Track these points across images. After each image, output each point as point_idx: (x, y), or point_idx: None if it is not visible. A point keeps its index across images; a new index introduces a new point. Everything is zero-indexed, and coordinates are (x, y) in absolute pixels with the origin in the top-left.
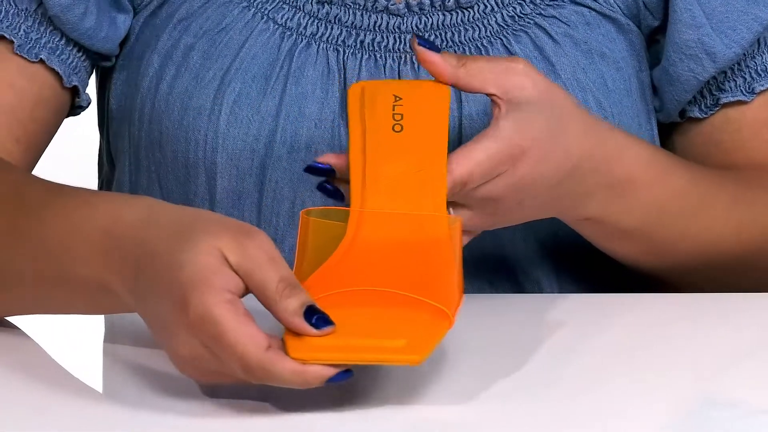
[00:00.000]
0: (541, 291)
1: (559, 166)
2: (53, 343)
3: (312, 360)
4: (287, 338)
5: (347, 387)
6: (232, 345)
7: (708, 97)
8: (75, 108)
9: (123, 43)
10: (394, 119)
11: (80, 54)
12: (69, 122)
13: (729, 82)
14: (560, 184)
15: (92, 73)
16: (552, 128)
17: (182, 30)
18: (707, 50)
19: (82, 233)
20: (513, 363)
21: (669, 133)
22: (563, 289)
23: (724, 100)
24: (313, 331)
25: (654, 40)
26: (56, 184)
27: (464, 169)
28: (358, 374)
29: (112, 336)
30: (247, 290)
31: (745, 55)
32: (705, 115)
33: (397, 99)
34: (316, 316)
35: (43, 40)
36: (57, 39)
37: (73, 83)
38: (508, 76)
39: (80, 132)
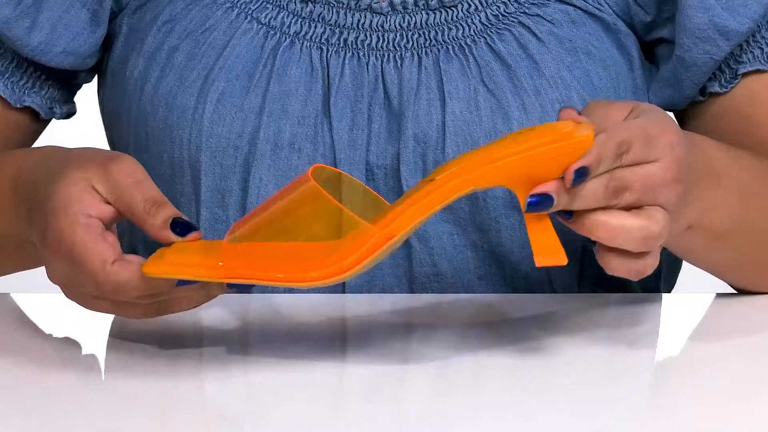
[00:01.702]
0: (530, 286)
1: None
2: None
3: (158, 274)
4: (151, 257)
5: (340, 380)
6: (81, 262)
7: (727, 71)
8: (47, 120)
9: (110, 48)
10: None
11: (39, 72)
12: (72, 123)
13: (746, 54)
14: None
15: (76, 84)
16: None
17: (167, 32)
18: (720, 30)
19: (0, 190)
20: (511, 363)
21: (698, 118)
22: (554, 284)
23: (743, 71)
24: (179, 238)
25: (655, 43)
26: None
27: (632, 122)
28: (355, 374)
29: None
30: (118, 215)
31: (759, 26)
32: (725, 90)
33: None
34: (179, 226)
35: None
36: (7, 62)
37: (25, 104)
38: (610, 108)
39: (80, 132)
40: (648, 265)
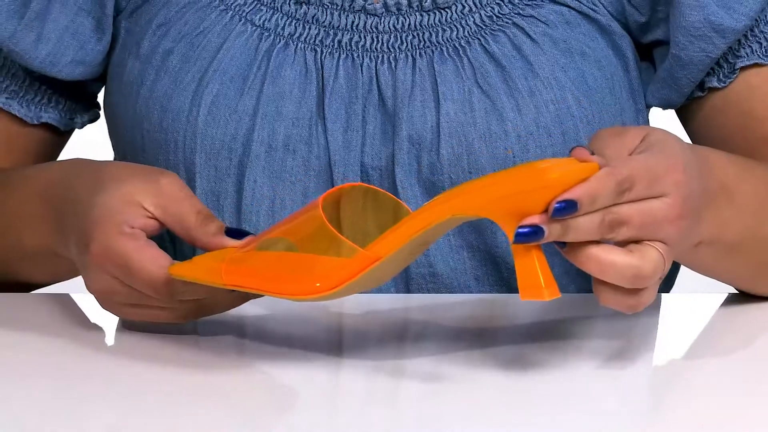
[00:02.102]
0: None
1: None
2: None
3: (180, 276)
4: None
5: (336, 380)
6: (137, 269)
7: (725, 66)
8: (69, 130)
9: (109, 51)
10: None
11: (53, 88)
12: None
13: (744, 48)
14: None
15: (91, 92)
16: (684, 145)
17: (161, 35)
18: (715, 28)
19: (26, 205)
20: (508, 363)
21: (698, 113)
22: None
23: (740, 65)
24: (236, 242)
25: (652, 45)
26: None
27: (636, 159)
28: (351, 373)
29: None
30: (161, 226)
31: (757, 20)
32: (724, 84)
33: None
34: (233, 233)
35: (4, 85)
36: (20, 81)
37: (42, 120)
38: (625, 135)
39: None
40: (642, 302)
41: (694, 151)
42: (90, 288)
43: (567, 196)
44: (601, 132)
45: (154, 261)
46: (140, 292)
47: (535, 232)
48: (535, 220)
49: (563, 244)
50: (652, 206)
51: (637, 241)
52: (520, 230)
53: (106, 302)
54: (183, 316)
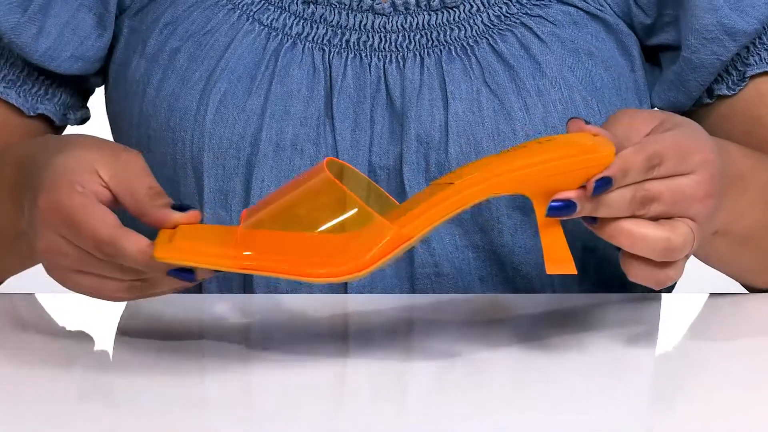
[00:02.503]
0: (531, 287)
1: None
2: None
3: (174, 260)
4: (157, 241)
5: (342, 379)
6: (82, 222)
7: (734, 74)
8: (64, 126)
9: (112, 50)
10: None
11: (51, 80)
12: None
13: (753, 56)
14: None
15: (87, 89)
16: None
17: (168, 34)
18: (727, 31)
19: (2, 181)
20: (512, 362)
21: (704, 120)
22: (554, 284)
23: (750, 73)
24: (180, 215)
25: (659, 49)
26: None
27: (660, 136)
28: (357, 372)
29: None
30: (113, 198)
31: (765, 27)
32: (733, 92)
33: None
34: (180, 210)
35: (1, 74)
36: (18, 71)
37: (39, 111)
38: (636, 119)
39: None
40: (670, 277)
41: (714, 137)
42: (37, 247)
43: (605, 173)
44: (618, 113)
45: (100, 218)
46: (86, 254)
47: (568, 206)
48: (570, 194)
49: (594, 220)
50: (681, 183)
51: (667, 217)
52: (554, 204)
53: (52, 266)
54: (127, 290)
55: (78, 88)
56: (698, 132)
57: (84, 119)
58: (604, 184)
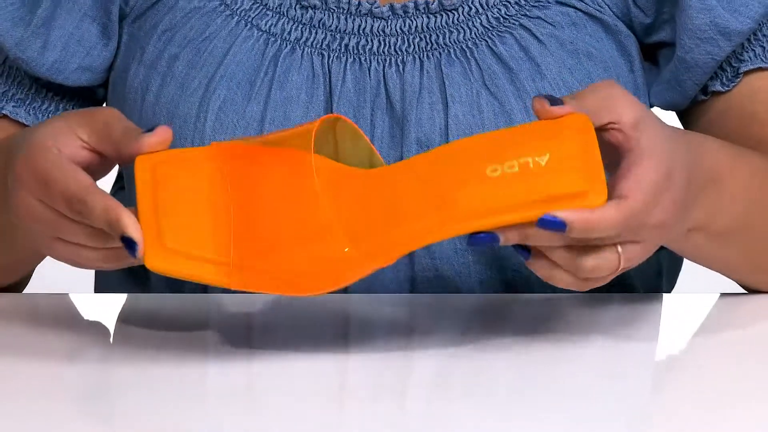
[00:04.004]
0: (531, 290)
1: (689, 173)
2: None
3: (164, 271)
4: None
5: (342, 379)
6: (55, 180)
7: (728, 70)
8: None
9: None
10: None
11: (60, 96)
12: None
13: (747, 52)
14: (688, 192)
15: (97, 100)
16: (673, 138)
17: (167, 41)
18: (721, 30)
19: None
20: (512, 362)
21: (701, 117)
22: (555, 288)
23: (744, 69)
24: (151, 136)
25: (656, 47)
26: None
27: (639, 196)
28: (354, 369)
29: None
30: (94, 157)
31: (760, 24)
32: (727, 88)
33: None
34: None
35: (10, 92)
36: (26, 89)
37: None
38: (615, 102)
39: None
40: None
41: (688, 140)
42: (15, 216)
43: (564, 219)
44: (602, 83)
45: (72, 175)
46: (61, 218)
47: (493, 238)
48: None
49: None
50: (629, 249)
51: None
52: (481, 236)
53: (33, 233)
54: (103, 259)
55: (86, 101)
56: (662, 166)
57: None
58: (556, 227)
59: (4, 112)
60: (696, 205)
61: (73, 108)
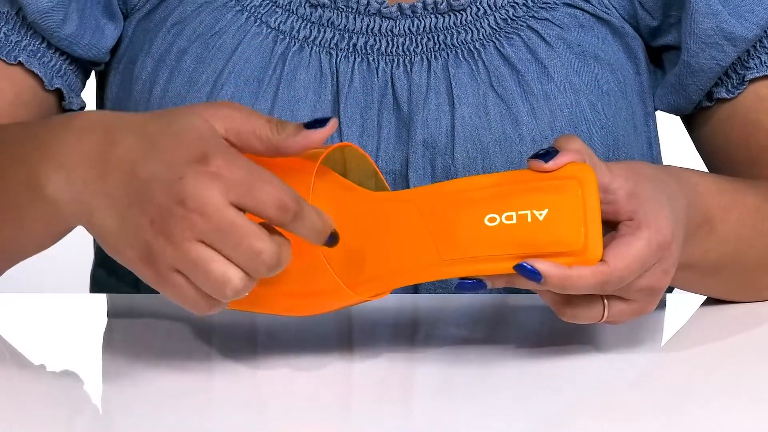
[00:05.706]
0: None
1: (686, 230)
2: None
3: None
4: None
5: (347, 380)
6: (266, 180)
7: (734, 77)
8: (65, 111)
9: (116, 46)
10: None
11: (65, 57)
12: None
13: (753, 60)
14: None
15: (87, 76)
16: (668, 197)
17: (176, 34)
18: (727, 36)
19: (24, 134)
20: (515, 363)
21: (705, 123)
22: None
23: (750, 77)
24: (322, 131)
25: (662, 49)
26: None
27: (620, 264)
28: (358, 371)
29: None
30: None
31: (766, 32)
32: (733, 95)
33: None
34: (311, 123)
35: (23, 43)
36: (38, 42)
37: (56, 86)
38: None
39: None
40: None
41: (682, 183)
42: (110, 227)
43: (543, 272)
44: (623, 164)
45: (278, 180)
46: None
47: (480, 285)
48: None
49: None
50: (616, 305)
51: None
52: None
53: (144, 263)
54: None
55: (83, 72)
56: (671, 219)
57: (81, 108)
58: (532, 277)
59: (20, 59)
60: (688, 243)
61: (70, 75)
